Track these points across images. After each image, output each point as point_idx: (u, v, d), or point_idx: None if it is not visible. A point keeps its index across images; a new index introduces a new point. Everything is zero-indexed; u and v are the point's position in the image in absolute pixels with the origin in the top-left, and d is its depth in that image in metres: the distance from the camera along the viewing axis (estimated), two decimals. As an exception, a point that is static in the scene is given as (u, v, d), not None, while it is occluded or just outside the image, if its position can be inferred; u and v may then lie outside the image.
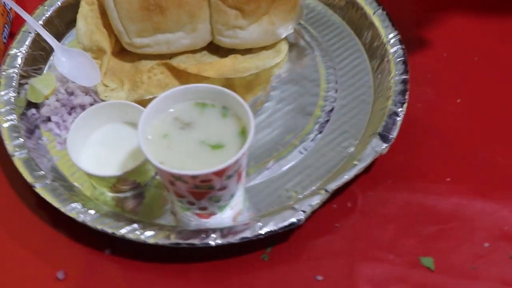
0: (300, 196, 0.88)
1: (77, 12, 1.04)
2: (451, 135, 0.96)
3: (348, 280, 0.82)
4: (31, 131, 0.97)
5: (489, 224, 0.86)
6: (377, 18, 1.04)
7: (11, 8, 1.11)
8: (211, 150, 0.79)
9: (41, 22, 1.06)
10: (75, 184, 0.92)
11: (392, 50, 0.99)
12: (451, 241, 0.85)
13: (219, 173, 0.75)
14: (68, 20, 1.10)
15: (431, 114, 0.98)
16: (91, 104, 0.97)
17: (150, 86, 0.96)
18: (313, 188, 0.88)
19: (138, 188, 0.90)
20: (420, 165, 0.93)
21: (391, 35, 1.01)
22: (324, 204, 0.85)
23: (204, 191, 0.78)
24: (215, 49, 1.04)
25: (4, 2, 1.07)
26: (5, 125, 0.94)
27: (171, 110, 0.83)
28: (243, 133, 0.80)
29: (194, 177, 0.74)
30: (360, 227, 0.87)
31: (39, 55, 1.05)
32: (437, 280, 0.82)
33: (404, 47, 0.99)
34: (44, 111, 0.98)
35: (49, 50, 1.06)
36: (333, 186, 0.85)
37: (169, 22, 0.97)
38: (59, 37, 1.09)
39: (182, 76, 0.97)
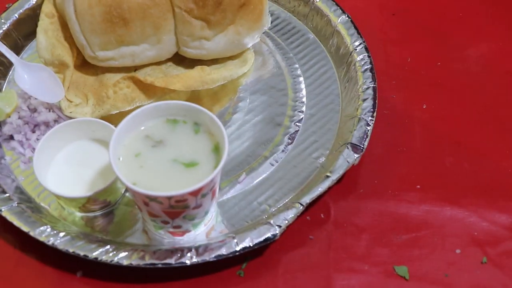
0: (274, 209, 0.88)
1: (36, 25, 1.01)
2: (419, 141, 0.98)
3: (325, 292, 0.82)
4: None
5: (460, 230, 0.88)
6: (342, 25, 1.05)
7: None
8: (185, 168, 0.79)
9: (-2, 36, 1.03)
10: (42, 204, 0.90)
11: (358, 58, 1.00)
12: (424, 249, 0.86)
13: (195, 193, 0.75)
14: (26, 32, 1.07)
15: (398, 120, 1.00)
16: (55, 121, 0.95)
17: (116, 100, 0.95)
18: (286, 200, 0.88)
19: (108, 206, 0.89)
20: (390, 173, 0.94)
21: (356, 43, 1.02)
22: (298, 216, 0.85)
23: (179, 210, 0.77)
24: (180, 60, 1.03)
25: None
26: None
27: (142, 128, 0.82)
28: (217, 149, 0.80)
29: (169, 198, 0.74)
30: (335, 238, 0.87)
31: None
32: None
33: (369, 54, 1.00)
34: (6, 129, 0.95)
35: (8, 65, 1.03)
36: (307, 199, 0.85)
37: (134, 34, 0.96)
38: (17, 50, 1.06)
39: (149, 90, 0.96)
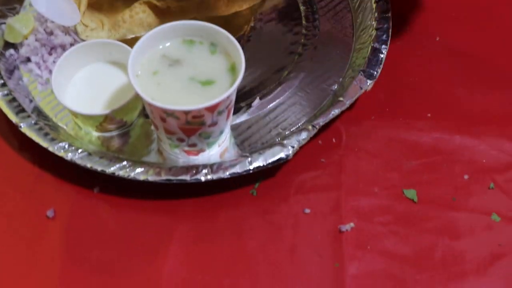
0: (287, 133, 0.89)
1: None
2: (431, 72, 0.99)
3: (335, 212, 0.85)
4: (11, 72, 0.96)
5: (468, 157, 0.90)
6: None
7: None
8: (202, 86, 0.80)
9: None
10: (60, 124, 0.92)
11: (373, -13, 1.00)
12: (433, 174, 0.89)
13: (211, 109, 0.76)
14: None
15: (410, 52, 1.00)
16: (72, 44, 0.96)
17: (132, 25, 0.96)
18: (299, 124, 0.90)
19: (124, 127, 0.91)
20: (401, 101, 0.95)
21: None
22: (310, 140, 0.87)
23: (195, 127, 0.79)
24: None
25: None
26: None
27: (159, 47, 0.83)
28: (233, 69, 0.81)
29: (186, 112, 0.76)
30: (345, 162, 0.89)
31: None
32: (420, 210, 0.85)
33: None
34: (24, 51, 0.96)
35: None
36: (320, 122, 0.87)
37: None
38: None
39: (165, 15, 0.97)
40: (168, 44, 0.84)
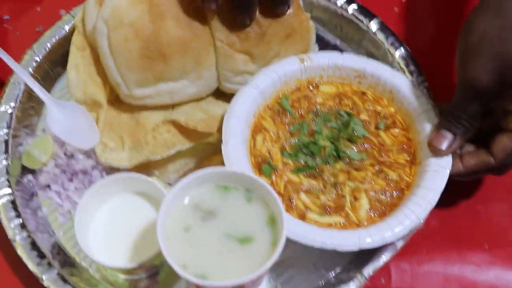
0: (331, 274, 0.85)
1: (68, 55, 0.97)
2: (485, 193, 0.93)
3: None
4: (28, 201, 0.91)
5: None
6: (401, 60, 0.99)
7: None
8: (239, 245, 0.74)
9: (30, 69, 0.98)
10: (83, 264, 0.87)
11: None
12: None
13: (252, 281, 0.70)
14: (58, 62, 1.01)
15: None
16: (94, 168, 0.92)
17: (156, 146, 0.90)
18: (344, 263, 0.86)
19: (154, 269, 0.85)
20: (455, 230, 0.89)
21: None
22: (358, 284, 0.81)
23: (232, 292, 0.73)
24: (220, 94, 0.98)
25: None
26: (1, 201, 0.87)
27: (189, 196, 0.77)
28: (272, 221, 0.75)
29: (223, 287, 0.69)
30: (397, 308, 0.83)
31: (31, 107, 0.97)
32: None
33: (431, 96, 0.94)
34: (43, 179, 0.91)
35: (41, 101, 0.96)
36: (370, 271, 0.81)
37: (173, 70, 0.90)
38: (50, 82, 1.01)
39: (190, 133, 0.91)
40: (200, 190, 0.77)
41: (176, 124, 0.90)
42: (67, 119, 0.91)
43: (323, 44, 1.05)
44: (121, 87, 0.91)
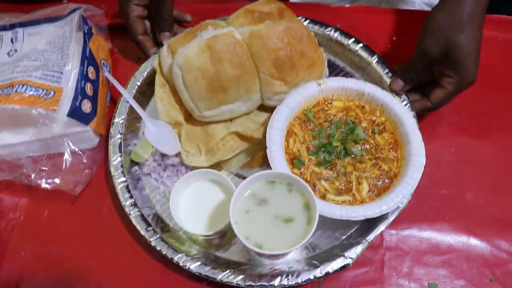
0: (344, 238, 0.88)
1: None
2: (446, 181, 0.94)
3: (379, 302, 0.84)
4: (136, 184, 0.94)
5: (475, 254, 0.87)
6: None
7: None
8: (284, 224, 0.78)
9: (134, 91, 0.99)
10: (175, 228, 0.91)
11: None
12: (450, 268, 0.86)
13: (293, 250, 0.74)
14: (151, 83, 1.00)
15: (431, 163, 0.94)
16: (180, 163, 0.94)
17: (224, 151, 0.93)
18: (352, 231, 0.88)
19: (223, 232, 0.88)
20: (427, 207, 0.92)
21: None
22: (361, 245, 0.85)
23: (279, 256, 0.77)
24: (263, 107, 0.99)
25: (106, 77, 0.99)
26: (119, 186, 0.91)
27: (251, 188, 0.81)
28: (307, 206, 0.79)
29: (273, 254, 0.74)
30: (386, 260, 0.88)
31: (135, 118, 0.99)
32: None
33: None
34: (146, 169, 0.95)
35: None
36: (371, 237, 0.85)
37: (231, 97, 0.92)
38: (147, 99, 1.03)
39: (248, 139, 0.93)
40: (255, 185, 0.81)
41: (238, 134, 0.93)
42: (159, 132, 0.93)
43: (334, 68, 1.05)
44: (195, 111, 0.93)
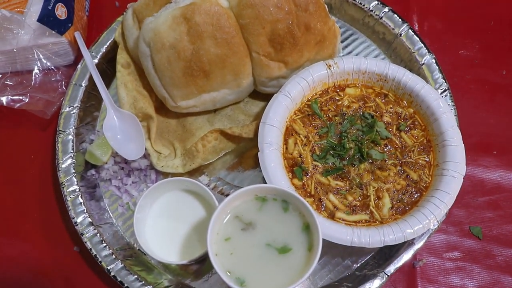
0: (356, 266, 0.76)
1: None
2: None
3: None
4: (92, 192, 0.81)
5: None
6: (427, 67, 0.86)
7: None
8: (278, 255, 0.66)
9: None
10: (141, 251, 0.78)
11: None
12: (497, 211, 0.80)
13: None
14: (113, 61, 0.87)
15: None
16: (148, 166, 0.82)
17: (206, 153, 0.81)
18: (367, 258, 0.77)
19: (201, 257, 0.76)
20: (470, 138, 0.83)
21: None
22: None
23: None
24: (256, 95, 0.87)
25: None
26: (69, 197, 0.78)
27: (232, 209, 0.68)
28: (307, 228, 0.67)
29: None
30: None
31: (91, 106, 0.86)
32: (485, 247, 0.78)
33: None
34: (104, 174, 0.83)
35: (99, 99, 0.86)
36: (391, 269, 0.73)
37: (214, 83, 0.80)
38: (108, 80, 0.89)
39: (235, 139, 0.82)
40: (239, 204, 0.68)
41: (222, 132, 0.81)
42: (121, 126, 0.81)
43: (349, 43, 0.92)
44: (168, 101, 0.82)
